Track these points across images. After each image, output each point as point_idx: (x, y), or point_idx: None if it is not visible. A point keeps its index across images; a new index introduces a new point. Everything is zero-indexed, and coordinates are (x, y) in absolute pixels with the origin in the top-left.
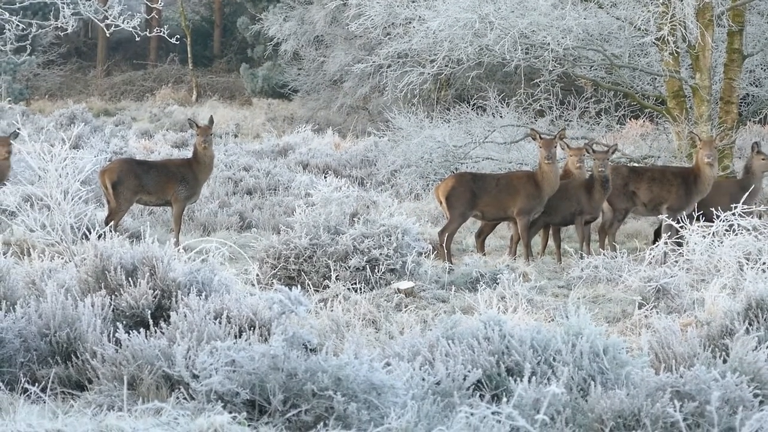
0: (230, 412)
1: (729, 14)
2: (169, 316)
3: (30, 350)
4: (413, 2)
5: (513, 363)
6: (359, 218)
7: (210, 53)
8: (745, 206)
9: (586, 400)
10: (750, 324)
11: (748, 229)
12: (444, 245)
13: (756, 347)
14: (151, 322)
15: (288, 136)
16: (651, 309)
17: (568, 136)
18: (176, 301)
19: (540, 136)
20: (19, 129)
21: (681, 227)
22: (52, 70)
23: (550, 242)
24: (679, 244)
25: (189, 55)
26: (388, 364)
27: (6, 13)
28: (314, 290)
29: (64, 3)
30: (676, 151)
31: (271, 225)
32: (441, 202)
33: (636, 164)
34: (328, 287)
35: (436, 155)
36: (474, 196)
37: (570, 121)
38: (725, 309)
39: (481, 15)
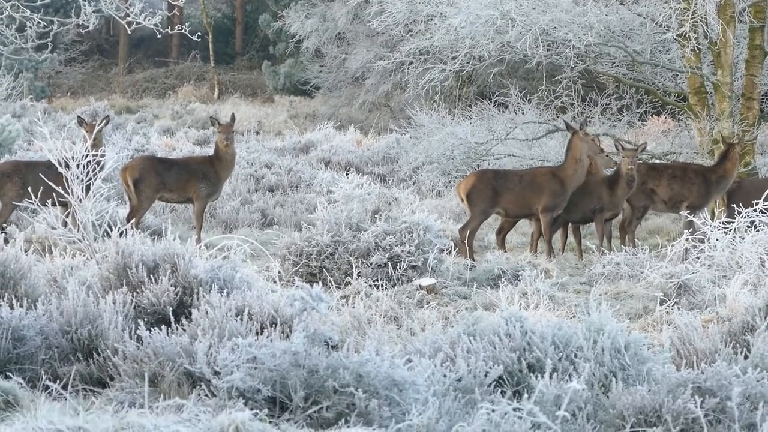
0: (251, 409)
1: (750, 10)
2: (190, 313)
3: (51, 347)
4: None
5: (534, 359)
6: (381, 215)
7: (232, 50)
8: None
9: (608, 397)
10: None
11: None
12: (466, 242)
13: None
14: (172, 319)
15: (310, 133)
16: (672, 305)
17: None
18: (198, 298)
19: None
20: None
21: (703, 224)
22: (73, 67)
23: (571, 239)
24: (702, 241)
25: (211, 53)
26: (409, 361)
27: (27, 10)
28: (336, 287)
29: (85, 0)
30: (697, 148)
31: (293, 222)
32: (462, 200)
33: (657, 161)
34: (350, 284)
35: (458, 152)
36: (496, 194)
37: (592, 117)
38: (746, 305)
39: (502, 12)
